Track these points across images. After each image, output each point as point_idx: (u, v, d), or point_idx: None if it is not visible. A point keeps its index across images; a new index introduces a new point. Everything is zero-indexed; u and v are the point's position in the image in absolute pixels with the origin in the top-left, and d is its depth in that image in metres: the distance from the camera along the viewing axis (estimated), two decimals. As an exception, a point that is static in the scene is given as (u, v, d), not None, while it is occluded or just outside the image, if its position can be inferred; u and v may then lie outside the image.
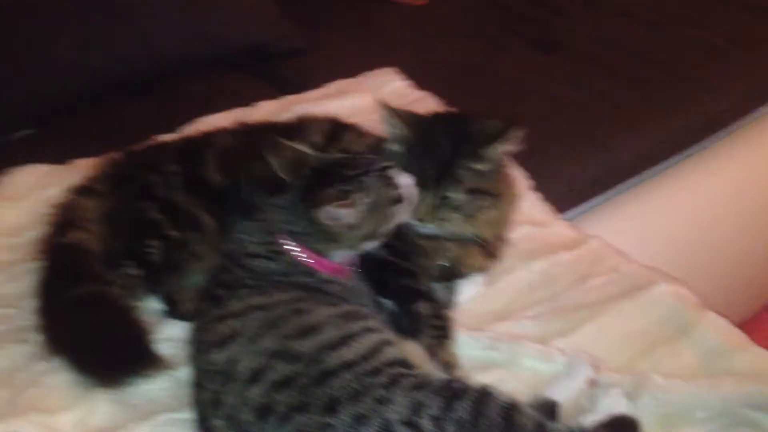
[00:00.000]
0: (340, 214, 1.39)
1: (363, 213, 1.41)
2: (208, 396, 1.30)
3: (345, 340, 1.29)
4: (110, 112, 2.32)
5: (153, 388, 1.46)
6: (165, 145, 1.82)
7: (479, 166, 1.54)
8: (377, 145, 1.70)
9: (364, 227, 1.43)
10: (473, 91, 2.31)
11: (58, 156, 2.08)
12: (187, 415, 1.35)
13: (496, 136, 1.53)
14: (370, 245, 1.46)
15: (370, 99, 2.20)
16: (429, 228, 1.54)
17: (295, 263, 1.43)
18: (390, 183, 1.45)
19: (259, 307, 1.35)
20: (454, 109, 1.69)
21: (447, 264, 1.60)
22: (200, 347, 1.36)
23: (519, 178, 1.80)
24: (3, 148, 2.22)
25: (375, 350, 1.30)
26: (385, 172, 1.45)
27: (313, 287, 1.42)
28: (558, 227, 1.80)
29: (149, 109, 2.33)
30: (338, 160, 1.49)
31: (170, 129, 2.12)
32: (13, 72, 2.28)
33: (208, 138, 1.76)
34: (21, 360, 1.51)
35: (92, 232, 1.63)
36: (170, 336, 1.55)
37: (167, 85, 2.38)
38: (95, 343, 1.47)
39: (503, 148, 1.55)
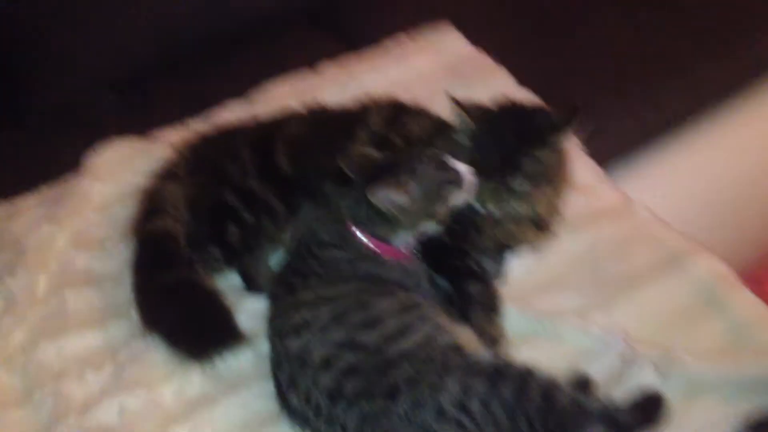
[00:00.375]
0: (392, 197, 1.53)
1: (415, 195, 1.56)
2: (285, 376, 1.50)
3: (403, 331, 1.47)
4: (186, 76, 2.45)
5: (239, 359, 1.65)
6: (238, 130, 1.95)
7: (541, 155, 1.65)
8: (438, 127, 1.82)
9: (418, 209, 1.57)
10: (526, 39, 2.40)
11: (140, 123, 2.23)
12: (269, 387, 1.55)
13: (559, 127, 1.64)
14: (429, 227, 1.60)
15: (429, 58, 2.29)
16: (489, 208, 1.67)
17: (360, 249, 1.59)
18: (443, 167, 1.58)
19: (327, 299, 1.53)
20: (517, 101, 1.78)
21: (501, 239, 1.74)
22: (277, 331, 1.55)
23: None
24: (87, 113, 2.38)
25: (429, 339, 1.47)
26: (437, 157, 1.59)
27: (375, 275, 1.58)
28: (603, 192, 1.90)
29: (223, 72, 2.45)
30: (398, 154, 1.63)
31: (241, 93, 2.27)
32: (96, 35, 2.41)
33: (278, 126, 1.89)
34: (122, 335, 1.73)
35: (177, 218, 1.81)
36: (249, 309, 1.73)
37: (239, 46, 2.49)
38: (186, 323, 1.67)
39: (565, 137, 1.66)
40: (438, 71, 2.25)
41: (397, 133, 1.82)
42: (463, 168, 1.58)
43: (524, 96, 2.10)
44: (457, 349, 1.48)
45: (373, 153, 1.64)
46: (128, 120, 2.31)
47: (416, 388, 1.40)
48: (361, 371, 1.43)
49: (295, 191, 1.81)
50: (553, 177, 1.72)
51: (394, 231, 1.59)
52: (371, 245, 1.59)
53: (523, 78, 2.21)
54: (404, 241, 1.60)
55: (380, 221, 1.59)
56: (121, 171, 2.08)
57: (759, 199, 2.51)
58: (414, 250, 1.65)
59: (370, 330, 1.47)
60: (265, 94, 2.25)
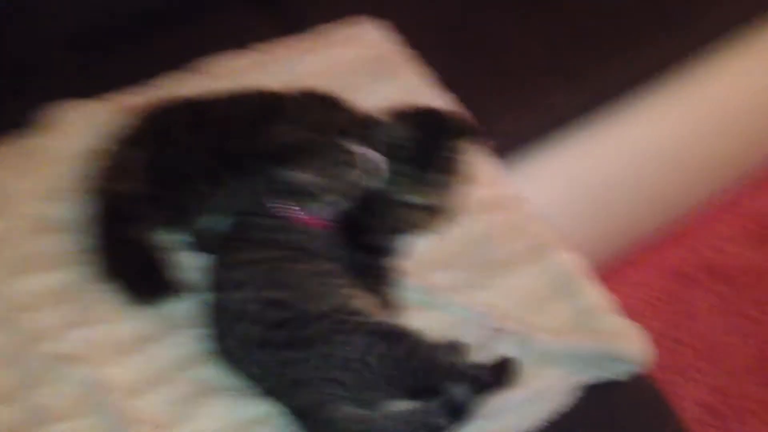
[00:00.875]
0: (296, 176, 1.89)
1: (318, 175, 1.91)
2: (224, 323, 1.86)
3: (323, 295, 1.84)
4: (133, 44, 2.67)
5: (181, 306, 1.99)
6: (196, 104, 2.20)
7: (451, 154, 2.03)
8: (357, 120, 2.16)
9: (324, 187, 1.92)
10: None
11: (93, 85, 2.48)
12: (206, 331, 1.91)
13: (465, 132, 2.04)
14: (337, 203, 1.96)
15: (352, 53, 2.57)
16: (409, 198, 2.02)
17: (282, 221, 1.94)
18: (347, 151, 1.93)
19: (261, 262, 1.88)
20: (427, 106, 2.17)
21: (406, 223, 2.11)
22: (217, 286, 1.90)
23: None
24: (43, 71, 2.61)
25: (344, 303, 1.85)
26: (344, 143, 1.94)
27: (299, 245, 1.94)
28: (498, 186, 2.26)
29: (167, 43, 2.68)
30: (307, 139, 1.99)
31: (185, 65, 2.54)
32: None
33: (229, 106, 2.18)
34: (86, 278, 2.03)
35: (137, 180, 2.10)
36: (194, 265, 2.06)
37: (189, 19, 2.73)
38: (141, 272, 2.00)
39: (468, 144, 2.04)
40: (358, 64, 2.53)
41: (311, 125, 2.10)
42: (372, 153, 1.94)
43: (433, 94, 2.44)
44: (365, 313, 1.86)
45: (288, 136, 1.97)
46: (82, 80, 2.55)
47: (329, 343, 1.78)
48: (286, 326, 1.79)
49: (243, 168, 2.12)
50: (457, 174, 2.10)
51: (305, 204, 1.94)
52: (292, 215, 1.94)
53: (440, 78, 2.53)
54: (317, 212, 1.95)
55: (292, 196, 1.94)
56: (81, 129, 2.32)
57: (633, 198, 2.93)
58: (332, 221, 1.99)
59: (296, 293, 1.83)
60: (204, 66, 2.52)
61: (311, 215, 1.96)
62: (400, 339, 1.81)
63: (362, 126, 2.11)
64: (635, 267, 3.30)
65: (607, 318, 1.98)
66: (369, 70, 2.54)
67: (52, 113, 2.36)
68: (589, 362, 1.92)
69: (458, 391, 1.79)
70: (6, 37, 2.63)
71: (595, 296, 2.02)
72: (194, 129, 2.13)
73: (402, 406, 1.82)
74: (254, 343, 1.80)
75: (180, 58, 2.55)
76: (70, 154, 2.27)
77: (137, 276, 2.01)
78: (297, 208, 1.95)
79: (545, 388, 1.88)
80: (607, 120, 2.73)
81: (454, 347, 1.89)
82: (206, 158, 2.10)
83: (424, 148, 2.02)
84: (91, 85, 2.49)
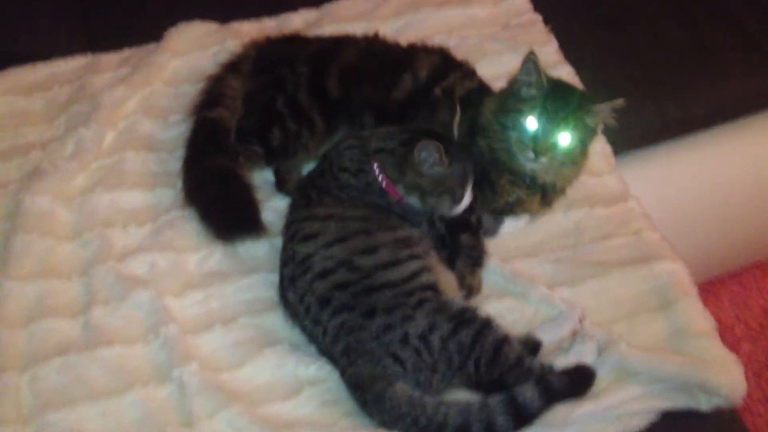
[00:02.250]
0: (429, 157, 1.76)
1: (435, 174, 1.79)
2: (288, 274, 1.78)
3: (393, 263, 1.73)
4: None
5: (256, 248, 1.94)
6: (301, 42, 2.17)
7: (590, 121, 1.88)
8: (477, 89, 2.03)
9: (422, 180, 1.80)
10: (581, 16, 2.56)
11: (221, 11, 2.47)
12: (275, 278, 1.84)
13: (605, 100, 1.87)
14: (413, 201, 1.83)
15: (490, 11, 2.47)
16: (539, 161, 1.87)
17: (371, 183, 1.83)
18: (463, 182, 1.81)
19: (337, 218, 1.79)
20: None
21: (509, 203, 1.98)
22: (291, 235, 1.82)
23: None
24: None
25: (414, 275, 1.73)
26: (467, 174, 1.82)
27: (382, 207, 1.83)
28: (608, 179, 2.10)
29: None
30: (455, 142, 1.86)
31: (315, 3, 2.48)
32: None
33: (335, 49, 2.09)
34: (166, 202, 2.01)
35: (232, 109, 2.06)
36: (275, 206, 2.00)
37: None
38: (220, 206, 1.95)
39: (608, 108, 1.87)
40: (492, 25, 2.43)
41: (440, 87, 2.02)
42: (467, 199, 1.82)
43: (566, 71, 2.28)
44: (435, 289, 1.74)
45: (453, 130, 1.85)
46: (209, 3, 2.53)
47: (391, 314, 1.67)
48: (350, 288, 1.70)
49: (338, 113, 2.04)
50: (584, 152, 1.95)
51: (397, 181, 1.82)
52: (382, 181, 1.82)
53: (566, 53, 2.36)
54: (402, 193, 1.83)
55: (395, 166, 1.82)
56: (195, 51, 2.33)
57: (753, 214, 2.68)
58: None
59: (367, 256, 1.73)
60: (336, 9, 2.44)
61: (398, 191, 1.84)
62: (467, 323, 1.68)
63: (484, 97, 1.99)
64: (741, 282, 3.07)
65: (703, 342, 1.79)
66: (501, 35, 2.41)
67: (172, 32, 2.32)
68: (673, 386, 1.74)
69: (523, 390, 1.65)
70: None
71: (695, 316, 1.84)
72: (296, 64, 2.04)
73: (461, 395, 1.69)
74: (315, 300, 1.71)
75: None
76: (177, 74, 2.28)
77: (219, 209, 1.96)
78: (391, 178, 1.83)
79: (618, 405, 1.71)
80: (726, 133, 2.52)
81: (525, 342, 1.75)
82: (303, 96, 2.01)
83: (573, 111, 1.86)
84: (226, 10, 2.48)
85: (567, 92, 1.90)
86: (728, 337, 2.94)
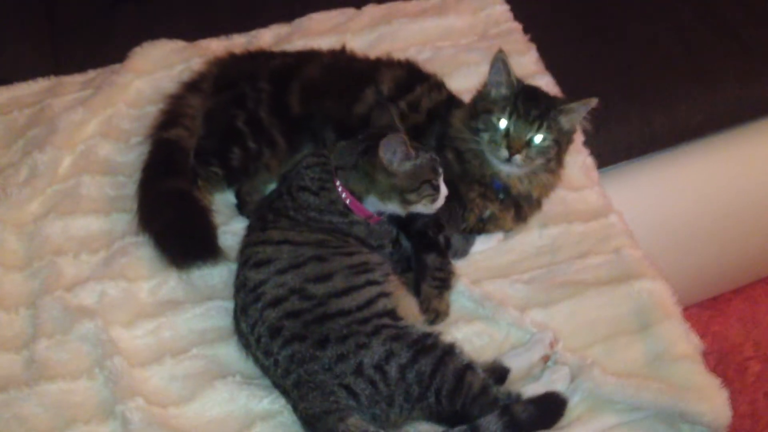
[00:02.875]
0: (397, 151, 1.67)
1: (407, 169, 1.69)
2: (240, 303, 1.68)
3: (348, 290, 1.62)
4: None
5: (213, 274, 1.84)
6: (264, 57, 2.09)
7: (564, 121, 1.81)
8: (445, 102, 1.93)
9: (398, 180, 1.71)
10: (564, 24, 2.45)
11: (190, 29, 2.39)
12: (231, 306, 1.73)
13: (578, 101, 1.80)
14: (392, 207, 1.74)
15: (467, 21, 2.38)
16: (514, 164, 1.79)
17: (335, 201, 1.74)
18: (435, 170, 1.72)
19: (291, 243, 1.69)
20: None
21: (484, 217, 1.87)
22: (243, 260, 1.72)
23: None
24: (139, 5, 2.53)
25: (370, 301, 1.62)
26: (435, 162, 1.73)
27: (339, 229, 1.73)
28: (588, 193, 1.99)
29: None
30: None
31: (287, 18, 2.39)
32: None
33: (298, 64, 2.01)
34: (121, 227, 1.93)
35: (191, 129, 1.98)
36: (236, 230, 1.90)
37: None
38: (175, 231, 1.86)
39: (583, 110, 1.81)
40: (469, 35, 2.34)
41: (406, 101, 1.92)
42: (444, 189, 1.73)
43: (545, 81, 2.18)
44: (394, 315, 1.63)
45: (398, 123, 1.78)
46: (180, 19, 2.46)
47: (344, 343, 1.56)
48: (301, 317, 1.60)
49: (300, 131, 1.94)
50: (560, 161, 1.87)
51: (368, 192, 1.73)
52: (345, 199, 1.73)
53: (548, 62, 2.26)
54: (372, 206, 1.73)
55: (360, 176, 1.72)
56: (160, 70, 2.25)
57: (754, 227, 2.54)
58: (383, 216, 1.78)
59: (320, 283, 1.63)
60: (308, 23, 2.35)
61: (366, 206, 1.75)
62: (428, 350, 1.57)
63: (453, 109, 1.92)
64: (749, 298, 2.93)
65: (685, 366, 1.67)
66: (478, 45, 2.31)
67: (136, 51, 2.25)
68: (652, 415, 1.62)
69: (487, 423, 1.53)
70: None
71: (676, 338, 1.71)
72: (257, 80, 1.95)
73: (423, 428, 1.58)
74: (266, 329, 1.61)
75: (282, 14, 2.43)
76: (141, 95, 2.20)
77: (173, 234, 1.86)
78: (356, 192, 1.74)
79: (592, 436, 1.58)
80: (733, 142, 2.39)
81: (492, 370, 1.64)
82: (264, 114, 1.92)
83: (546, 110, 1.80)
84: (199, 30, 2.40)
85: (539, 92, 1.86)
86: (736, 356, 2.81)
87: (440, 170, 1.74)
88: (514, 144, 1.77)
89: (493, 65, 1.82)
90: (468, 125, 1.84)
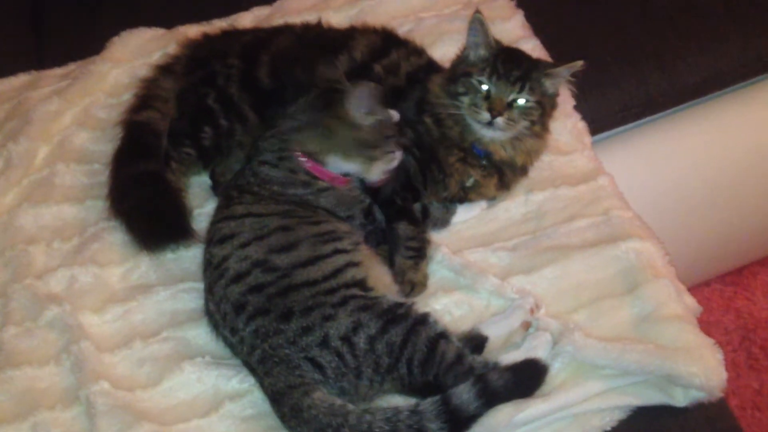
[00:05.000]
0: (366, 102, 1.62)
1: (372, 123, 1.63)
2: (207, 282, 1.62)
3: (314, 260, 1.56)
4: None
5: (186, 256, 1.79)
6: (236, 35, 2.04)
7: (547, 83, 1.74)
8: (425, 66, 1.86)
9: (362, 133, 1.65)
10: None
11: (169, 13, 2.36)
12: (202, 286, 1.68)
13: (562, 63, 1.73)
14: (355, 168, 1.68)
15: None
16: (497, 127, 1.71)
17: (296, 170, 1.67)
18: (396, 128, 1.66)
19: (254, 215, 1.63)
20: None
21: (467, 185, 1.79)
22: (209, 239, 1.66)
23: (566, 96, 1.94)
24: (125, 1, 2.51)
25: (337, 271, 1.55)
26: (395, 118, 1.67)
27: (306, 200, 1.66)
28: (578, 157, 1.90)
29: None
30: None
31: (268, 0, 2.35)
32: None
33: (270, 38, 1.95)
34: (94, 214, 1.89)
35: (163, 112, 1.93)
36: (211, 212, 1.82)
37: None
38: (146, 214, 1.81)
39: (567, 72, 1.75)
40: (453, 4, 2.26)
41: (381, 65, 1.86)
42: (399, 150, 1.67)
43: (532, 45, 2.09)
44: (363, 285, 1.56)
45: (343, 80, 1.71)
46: (165, 8, 2.42)
47: (309, 316, 1.50)
48: (265, 290, 1.53)
49: (271, 103, 1.88)
50: (544, 124, 1.79)
51: (329, 151, 1.66)
52: (306, 164, 1.66)
53: (538, 27, 2.17)
54: (335, 167, 1.67)
55: (319, 136, 1.67)
56: (138, 59, 2.21)
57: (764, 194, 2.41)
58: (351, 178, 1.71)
59: (284, 254, 1.56)
60: (288, 4, 2.30)
61: (329, 168, 1.67)
62: (398, 320, 1.50)
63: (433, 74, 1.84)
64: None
65: (674, 327, 1.56)
66: (462, 14, 2.23)
67: (114, 41, 2.22)
68: (642, 380, 1.51)
69: (459, 391, 1.44)
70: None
71: (665, 298, 1.60)
72: (228, 57, 1.90)
73: (395, 401, 1.50)
74: (230, 306, 1.54)
75: None
76: (119, 84, 2.17)
77: (144, 216, 1.81)
78: (317, 153, 1.68)
79: (574, 404, 1.49)
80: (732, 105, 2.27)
81: (469, 338, 1.55)
82: (234, 90, 1.86)
83: (528, 70, 1.74)
84: (176, 20, 2.35)
85: (520, 53, 1.79)
86: (762, 332, 2.67)
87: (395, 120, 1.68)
88: (496, 106, 1.70)
89: (470, 27, 1.75)
90: (447, 90, 1.76)
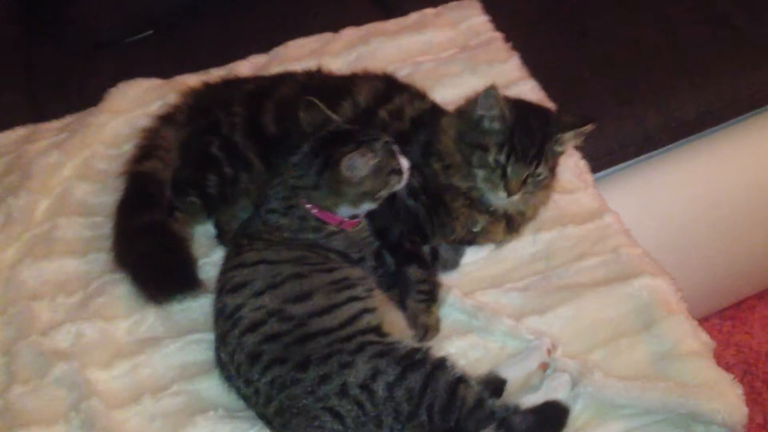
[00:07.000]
0: (358, 164, 1.59)
1: (371, 170, 1.62)
2: (219, 332, 1.60)
3: (330, 308, 1.54)
4: (212, 23, 2.55)
5: (193, 307, 1.77)
6: (238, 83, 2.04)
7: (558, 149, 1.73)
8: (430, 110, 1.86)
9: (366, 186, 1.64)
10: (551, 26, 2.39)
11: (169, 66, 2.35)
12: (212, 338, 1.66)
13: (574, 126, 1.71)
14: (368, 206, 1.67)
15: (447, 35, 2.32)
16: (511, 201, 1.72)
17: (305, 217, 1.66)
18: (392, 154, 1.65)
19: (267, 262, 1.61)
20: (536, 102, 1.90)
21: (476, 230, 1.78)
22: (220, 288, 1.64)
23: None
24: (120, 51, 2.51)
25: (353, 318, 1.54)
26: (389, 145, 1.65)
27: (318, 243, 1.65)
28: (582, 195, 1.90)
29: (252, 23, 2.54)
30: (352, 129, 1.69)
31: (266, 48, 2.35)
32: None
33: (273, 86, 1.95)
34: (98, 267, 1.86)
35: (166, 161, 1.92)
36: (216, 261, 1.82)
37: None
38: (152, 265, 1.79)
39: (578, 137, 1.74)
40: (450, 48, 2.28)
41: (386, 109, 1.86)
42: (404, 162, 1.65)
43: (529, 86, 2.11)
44: (379, 331, 1.54)
45: (333, 116, 1.70)
46: (160, 61, 2.42)
47: (326, 364, 1.47)
48: (281, 339, 1.51)
49: (277, 152, 1.87)
50: (550, 182, 1.78)
51: (339, 204, 1.66)
52: (312, 210, 1.66)
53: (534, 68, 2.19)
54: (346, 213, 1.66)
55: (326, 192, 1.65)
56: (137, 109, 2.20)
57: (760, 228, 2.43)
58: (362, 218, 1.71)
59: (299, 303, 1.54)
60: (285, 51, 2.31)
61: (340, 215, 1.67)
62: (416, 365, 1.48)
63: (438, 117, 1.83)
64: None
65: (693, 363, 1.56)
66: (459, 56, 2.24)
67: (112, 92, 2.21)
68: (663, 419, 1.50)
69: (483, 437, 1.42)
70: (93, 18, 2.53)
71: (682, 335, 1.60)
72: (231, 105, 1.90)
73: (416, 452, 1.48)
74: (245, 357, 1.52)
75: (262, 42, 2.40)
76: (118, 135, 2.16)
77: (150, 268, 1.79)
78: (326, 207, 1.67)
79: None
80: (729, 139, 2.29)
81: (487, 382, 1.53)
82: (239, 137, 1.86)
83: (539, 143, 1.71)
84: (171, 65, 2.36)
85: (533, 122, 1.73)
86: (763, 365, 2.68)
87: (396, 147, 1.67)
88: (513, 187, 1.69)
89: (484, 100, 1.70)
90: (459, 150, 1.74)
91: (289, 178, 1.67)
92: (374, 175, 1.63)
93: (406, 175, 1.67)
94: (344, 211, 1.66)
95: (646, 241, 1.87)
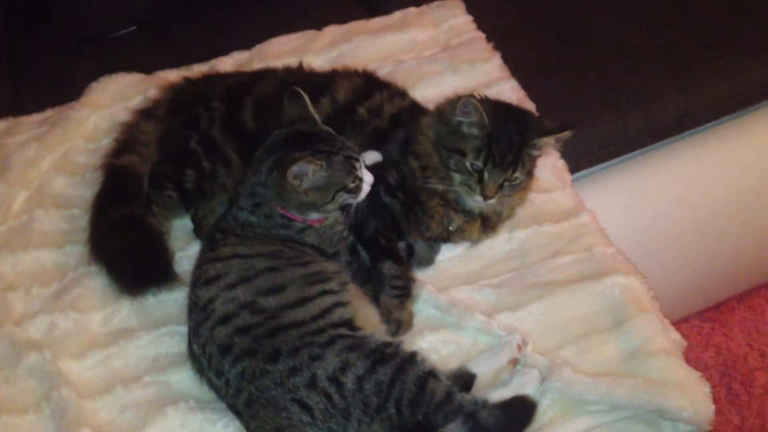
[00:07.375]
0: (305, 173, 1.58)
1: (317, 183, 1.61)
2: (192, 324, 1.60)
3: (302, 301, 1.54)
4: (196, 19, 2.56)
5: (168, 299, 1.77)
6: (218, 79, 2.04)
7: (535, 153, 1.73)
8: (409, 108, 1.87)
9: (310, 197, 1.62)
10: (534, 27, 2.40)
11: (154, 61, 2.36)
12: (186, 330, 1.66)
13: (552, 132, 1.72)
14: (315, 216, 1.66)
15: (429, 34, 2.33)
16: (487, 204, 1.73)
17: (271, 215, 1.65)
18: (350, 172, 1.63)
19: (241, 256, 1.61)
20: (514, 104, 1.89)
21: (451, 229, 1.79)
22: (194, 281, 1.65)
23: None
24: (103, 47, 2.52)
25: (325, 311, 1.54)
26: (350, 161, 1.64)
27: (292, 239, 1.66)
28: (559, 195, 1.91)
29: (239, 21, 2.55)
30: (320, 134, 1.67)
31: (249, 44, 2.36)
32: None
33: (253, 81, 1.96)
34: (74, 259, 1.86)
35: (144, 156, 1.92)
36: (192, 255, 1.82)
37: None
38: (127, 258, 1.79)
39: (556, 142, 1.75)
40: (432, 47, 2.29)
41: (365, 107, 1.86)
42: (368, 177, 1.64)
43: (510, 86, 2.11)
44: (351, 325, 1.54)
45: (314, 114, 1.70)
46: (143, 56, 2.43)
47: (296, 356, 1.48)
48: (252, 332, 1.51)
49: (255, 146, 1.87)
50: (527, 183, 1.78)
51: (286, 207, 1.65)
52: (281, 211, 1.66)
53: (516, 68, 2.20)
54: (313, 218, 1.66)
55: (275, 195, 1.64)
56: (117, 104, 2.20)
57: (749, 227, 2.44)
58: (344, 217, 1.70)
59: (272, 296, 1.54)
60: (268, 48, 2.31)
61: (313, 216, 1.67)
62: (387, 359, 1.48)
63: (419, 116, 1.84)
64: (751, 307, 2.80)
65: (662, 361, 1.56)
66: (441, 56, 2.25)
67: (93, 86, 2.21)
68: (630, 415, 1.50)
69: (450, 430, 1.43)
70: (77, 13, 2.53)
71: (652, 333, 1.61)
72: (210, 100, 1.90)
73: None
74: (216, 348, 1.52)
75: (247, 39, 2.40)
76: (98, 129, 2.16)
77: (125, 261, 1.79)
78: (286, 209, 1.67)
79: (566, 440, 1.47)
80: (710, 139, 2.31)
81: (457, 377, 1.54)
82: (217, 133, 1.86)
83: (516, 147, 1.72)
84: (153, 61, 2.37)
85: (511, 127, 1.72)
86: (741, 367, 2.68)
87: (358, 163, 1.64)
88: (489, 192, 1.70)
89: (463, 108, 1.70)
90: (438, 152, 1.75)
91: (251, 174, 1.66)
92: (319, 189, 1.62)
93: (366, 190, 1.65)
94: (294, 214, 1.66)
95: (626, 241, 1.88)
